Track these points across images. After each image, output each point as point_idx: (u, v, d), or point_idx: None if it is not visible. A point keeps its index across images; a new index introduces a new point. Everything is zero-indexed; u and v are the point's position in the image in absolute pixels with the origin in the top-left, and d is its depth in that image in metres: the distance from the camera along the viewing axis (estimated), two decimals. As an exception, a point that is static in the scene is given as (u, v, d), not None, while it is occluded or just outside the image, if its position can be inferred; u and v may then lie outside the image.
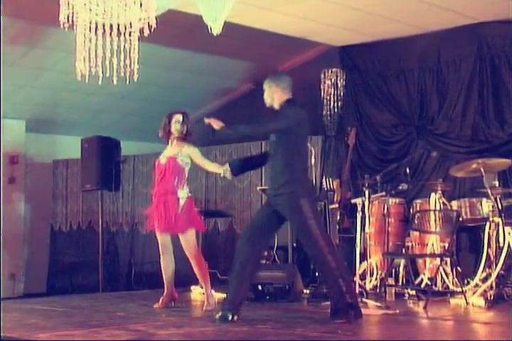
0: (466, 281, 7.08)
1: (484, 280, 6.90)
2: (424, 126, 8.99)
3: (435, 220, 7.24)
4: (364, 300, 6.68)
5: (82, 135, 9.90)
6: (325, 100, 9.43)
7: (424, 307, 6.45)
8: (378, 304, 6.51)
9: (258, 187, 9.04)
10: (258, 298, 6.98)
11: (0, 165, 11.10)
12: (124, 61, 5.90)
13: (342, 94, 9.45)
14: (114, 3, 5.77)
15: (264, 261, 8.23)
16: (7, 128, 11.26)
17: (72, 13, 5.78)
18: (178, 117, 6.50)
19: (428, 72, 9.03)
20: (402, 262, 7.57)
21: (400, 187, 7.66)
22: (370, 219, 7.64)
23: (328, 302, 6.57)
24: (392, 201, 7.92)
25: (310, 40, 9.49)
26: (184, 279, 7.35)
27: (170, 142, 6.60)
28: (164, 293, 6.56)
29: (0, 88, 9.53)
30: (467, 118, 8.66)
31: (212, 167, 6.55)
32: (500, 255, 6.83)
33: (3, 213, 11.16)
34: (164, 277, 6.58)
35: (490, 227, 7.06)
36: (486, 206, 7.23)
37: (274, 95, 5.71)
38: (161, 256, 6.54)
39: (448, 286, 7.23)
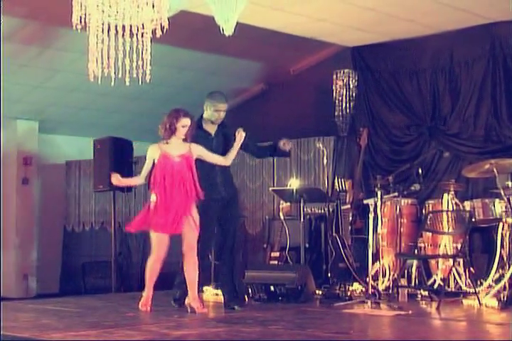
0: (479, 282, 7.07)
1: (497, 281, 6.88)
2: (436, 126, 8.96)
3: (448, 221, 7.22)
4: (377, 301, 6.67)
5: (94, 136, 9.94)
6: (337, 101, 9.41)
7: (437, 308, 6.44)
8: (391, 305, 6.49)
9: (271, 188, 9.03)
10: (270, 299, 6.97)
11: (0, 165, 11.17)
12: (137, 62, 5.91)
13: (354, 94, 9.42)
14: (127, 5, 5.78)
15: (276, 262, 8.23)
16: (20, 129, 11.31)
17: (85, 14, 5.80)
18: (186, 121, 6.35)
19: (441, 72, 9.00)
20: (415, 263, 7.55)
21: (413, 188, 7.65)
22: (383, 219, 7.62)
23: (342, 303, 6.61)
24: (404, 202, 7.88)
25: (322, 40, 9.48)
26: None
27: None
28: None
29: (0, 87, 9.56)
30: (480, 118, 8.63)
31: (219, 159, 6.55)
32: (514, 256, 6.82)
33: (17, 214, 11.22)
34: None
35: (503, 228, 7.04)
36: (498, 207, 7.20)
37: None
38: None
39: (461, 287, 7.22)
